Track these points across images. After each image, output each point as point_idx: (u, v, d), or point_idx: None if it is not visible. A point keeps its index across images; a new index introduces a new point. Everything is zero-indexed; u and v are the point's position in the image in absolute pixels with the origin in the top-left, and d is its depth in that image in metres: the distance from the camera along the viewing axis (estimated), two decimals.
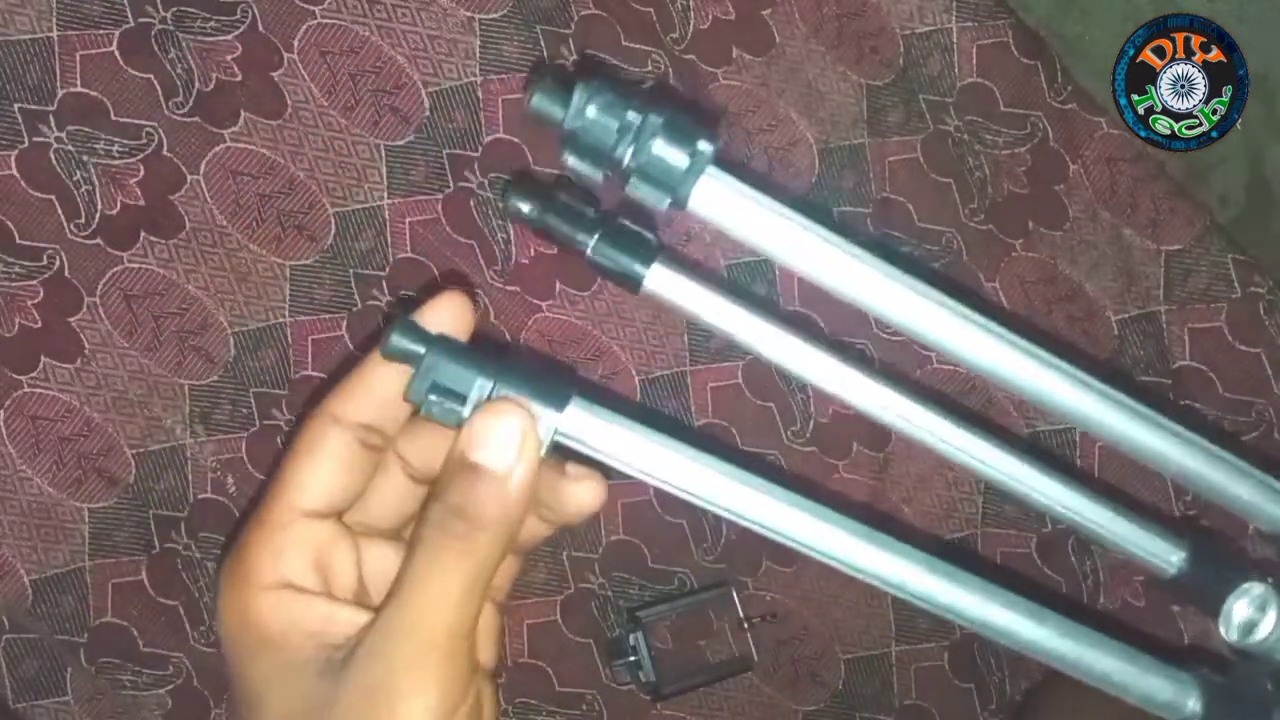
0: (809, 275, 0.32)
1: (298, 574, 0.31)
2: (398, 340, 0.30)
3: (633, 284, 0.32)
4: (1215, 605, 0.34)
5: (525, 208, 0.32)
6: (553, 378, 0.31)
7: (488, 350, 0.31)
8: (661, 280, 0.32)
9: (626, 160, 0.30)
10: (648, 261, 0.32)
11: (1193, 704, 0.33)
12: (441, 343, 0.31)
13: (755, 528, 0.31)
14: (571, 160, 0.30)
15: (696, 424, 0.53)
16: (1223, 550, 0.35)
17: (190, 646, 0.51)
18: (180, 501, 0.50)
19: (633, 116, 0.29)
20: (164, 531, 0.51)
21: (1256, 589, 0.34)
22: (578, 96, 0.29)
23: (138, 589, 0.51)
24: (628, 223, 0.32)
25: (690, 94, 0.52)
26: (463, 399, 0.30)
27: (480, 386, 0.30)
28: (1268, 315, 0.55)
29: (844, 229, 0.31)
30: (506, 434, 0.29)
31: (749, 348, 0.33)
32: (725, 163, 0.31)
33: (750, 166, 0.53)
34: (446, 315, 0.32)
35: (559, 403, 0.30)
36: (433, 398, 0.30)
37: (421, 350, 0.30)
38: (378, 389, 0.31)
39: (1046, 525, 0.56)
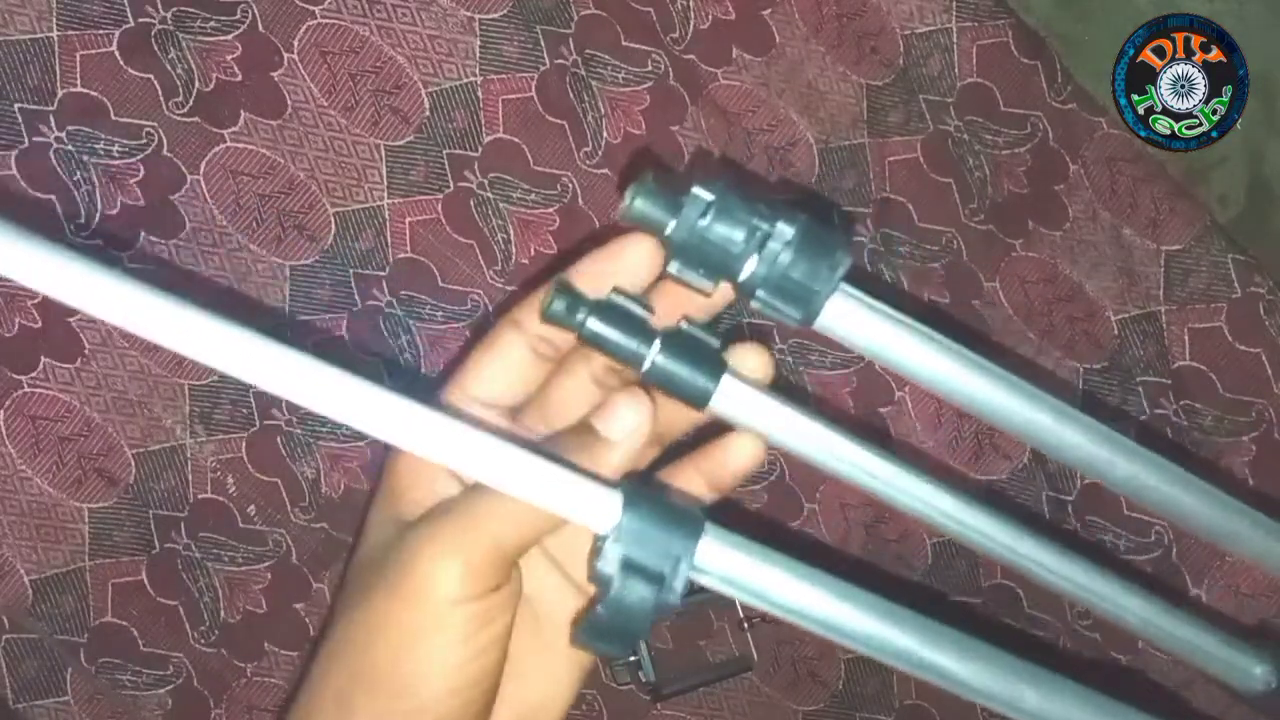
0: (939, 390, 0.29)
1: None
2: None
3: (697, 402, 0.28)
4: None
5: (576, 315, 0.28)
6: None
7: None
8: (731, 397, 0.28)
9: (748, 272, 0.26)
10: (716, 376, 0.28)
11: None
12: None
13: (897, 665, 0.30)
14: (680, 270, 0.27)
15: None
16: None
17: (190, 646, 0.51)
18: (180, 501, 0.50)
19: (760, 224, 0.26)
20: (164, 531, 0.51)
21: None
22: (692, 202, 0.26)
23: (138, 589, 0.51)
24: (687, 326, 0.29)
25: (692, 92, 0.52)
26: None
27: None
28: (1268, 315, 0.55)
29: (968, 342, 0.29)
30: (631, 419, 0.30)
31: (831, 471, 0.30)
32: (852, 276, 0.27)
33: (750, 167, 0.53)
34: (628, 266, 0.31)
35: (694, 534, 0.27)
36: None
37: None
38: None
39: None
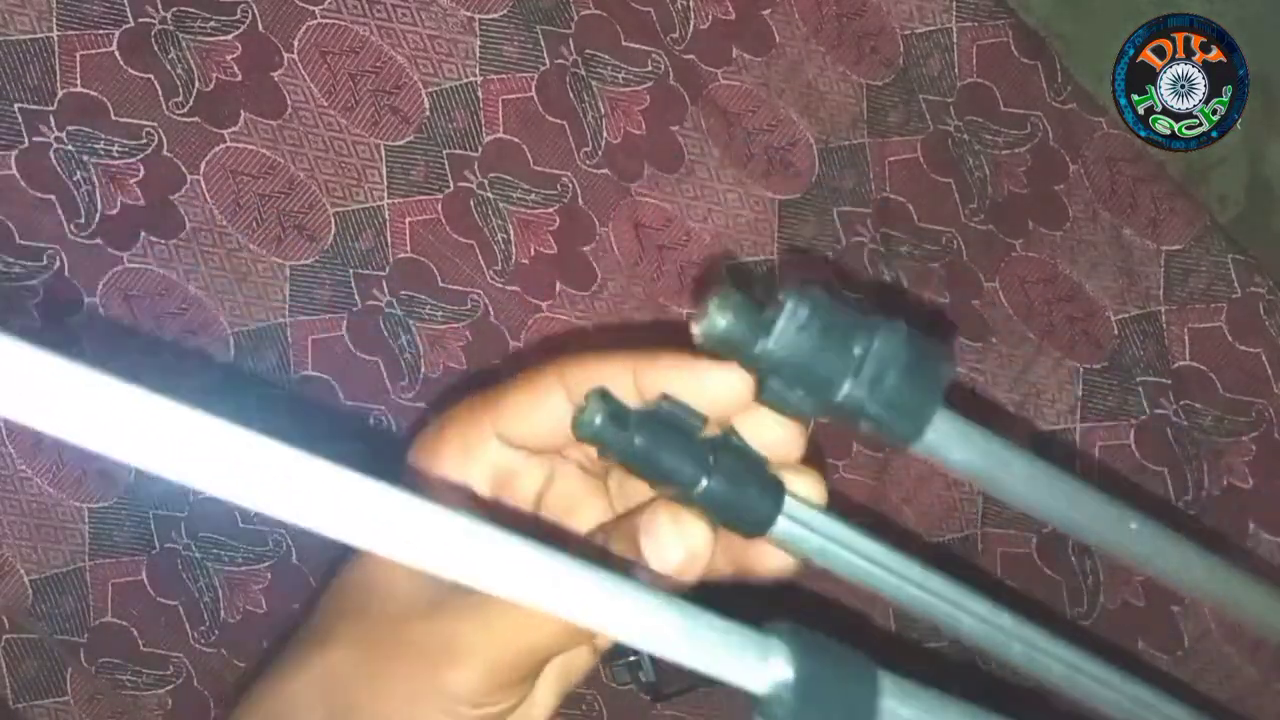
0: (1038, 514, 0.27)
1: (477, 482, 0.32)
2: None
3: (754, 530, 0.25)
4: None
5: (611, 433, 0.25)
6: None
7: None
8: (795, 523, 0.25)
9: (846, 392, 0.23)
10: (777, 506, 0.25)
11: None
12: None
13: None
14: (769, 400, 0.24)
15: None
16: None
17: (190, 646, 0.51)
18: (180, 501, 0.50)
19: (860, 343, 0.23)
20: (164, 531, 0.51)
21: None
22: (785, 321, 0.22)
23: (138, 589, 0.51)
24: (736, 439, 0.26)
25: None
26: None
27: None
28: (1268, 315, 0.55)
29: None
30: (680, 547, 0.28)
31: (907, 604, 0.28)
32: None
33: (752, 166, 0.53)
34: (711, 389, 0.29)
35: (873, 690, 0.23)
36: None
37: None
38: (613, 378, 0.30)
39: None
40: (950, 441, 0.25)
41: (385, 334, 0.51)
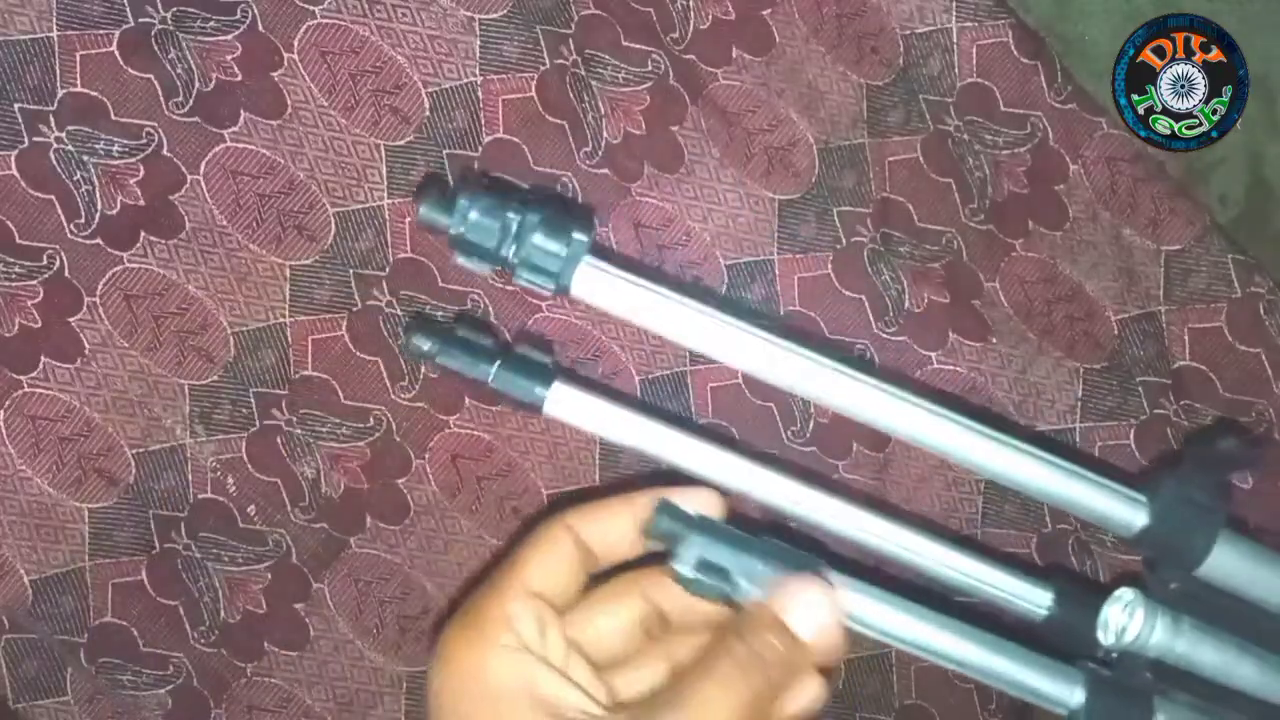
0: (686, 344, 0.35)
1: (530, 637, 0.33)
2: (661, 521, 0.34)
3: (534, 407, 0.35)
4: (1084, 642, 0.38)
5: (425, 345, 0.34)
6: (803, 555, 0.34)
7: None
8: (561, 400, 0.35)
9: (511, 256, 0.33)
10: (547, 383, 0.35)
11: (1077, 696, 0.36)
12: (702, 523, 0.34)
13: None
14: (462, 261, 0.33)
15: (698, 423, 0.53)
16: (1086, 587, 0.38)
17: (190, 646, 0.51)
18: (180, 501, 0.51)
19: (512, 216, 0.32)
20: (164, 531, 0.51)
21: (1127, 594, 0.37)
22: (460, 204, 0.32)
23: (138, 589, 0.51)
24: (526, 350, 0.35)
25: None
26: (726, 575, 0.33)
27: (749, 567, 0.33)
28: (1268, 315, 0.55)
29: (728, 303, 0.34)
30: (818, 608, 0.33)
31: (659, 458, 0.35)
32: (601, 249, 0.35)
33: (752, 166, 0.53)
34: (701, 502, 0.35)
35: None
36: (702, 576, 0.33)
37: (685, 531, 0.33)
38: (615, 530, 0.35)
39: (1047, 525, 0.56)
40: (596, 289, 0.34)
41: (385, 334, 0.51)
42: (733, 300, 0.53)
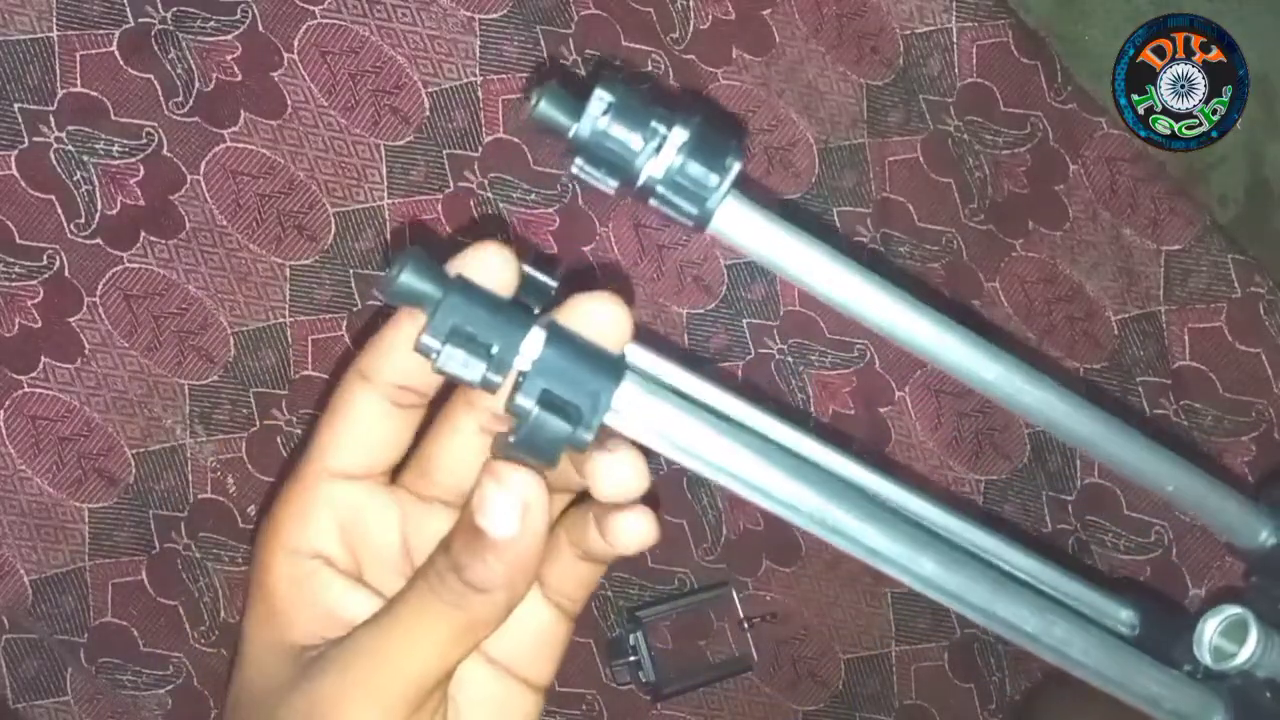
0: (824, 296, 0.30)
1: (324, 541, 0.29)
2: (407, 279, 0.25)
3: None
4: (1171, 654, 0.35)
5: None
6: (605, 357, 0.27)
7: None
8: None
9: (645, 175, 0.27)
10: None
11: (1219, 718, 0.33)
12: (463, 285, 0.26)
13: (811, 529, 0.28)
14: (582, 170, 0.27)
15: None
16: (1171, 606, 0.37)
17: (190, 646, 0.51)
18: (180, 501, 0.51)
19: (658, 126, 0.27)
20: (164, 531, 0.51)
21: (1230, 610, 0.35)
22: (594, 104, 0.26)
23: (138, 589, 0.51)
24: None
25: (694, 93, 0.52)
26: (488, 351, 0.25)
27: (517, 344, 0.25)
28: (1268, 315, 0.55)
29: (847, 251, 0.32)
30: (512, 501, 0.26)
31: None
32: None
33: (751, 166, 0.53)
34: (482, 267, 0.27)
35: (612, 378, 0.26)
36: (451, 348, 0.25)
37: (437, 293, 0.25)
38: (406, 346, 0.27)
39: (1047, 526, 0.56)
40: (739, 226, 0.28)
41: None
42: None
